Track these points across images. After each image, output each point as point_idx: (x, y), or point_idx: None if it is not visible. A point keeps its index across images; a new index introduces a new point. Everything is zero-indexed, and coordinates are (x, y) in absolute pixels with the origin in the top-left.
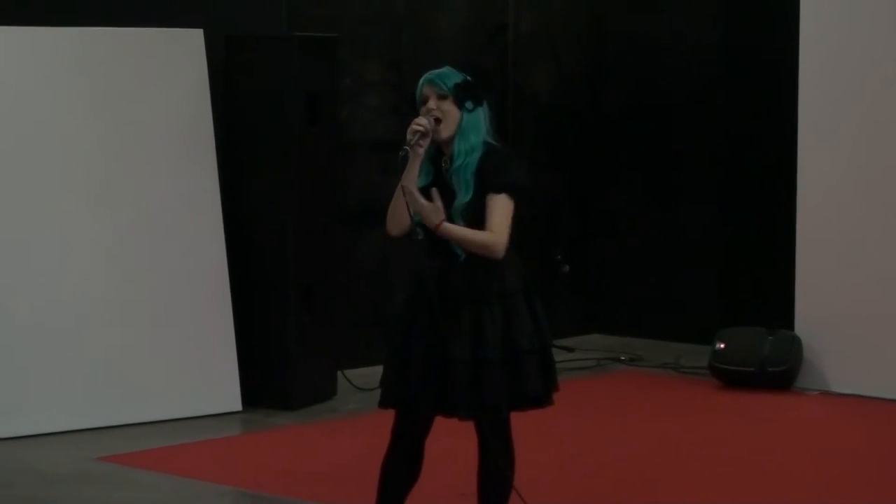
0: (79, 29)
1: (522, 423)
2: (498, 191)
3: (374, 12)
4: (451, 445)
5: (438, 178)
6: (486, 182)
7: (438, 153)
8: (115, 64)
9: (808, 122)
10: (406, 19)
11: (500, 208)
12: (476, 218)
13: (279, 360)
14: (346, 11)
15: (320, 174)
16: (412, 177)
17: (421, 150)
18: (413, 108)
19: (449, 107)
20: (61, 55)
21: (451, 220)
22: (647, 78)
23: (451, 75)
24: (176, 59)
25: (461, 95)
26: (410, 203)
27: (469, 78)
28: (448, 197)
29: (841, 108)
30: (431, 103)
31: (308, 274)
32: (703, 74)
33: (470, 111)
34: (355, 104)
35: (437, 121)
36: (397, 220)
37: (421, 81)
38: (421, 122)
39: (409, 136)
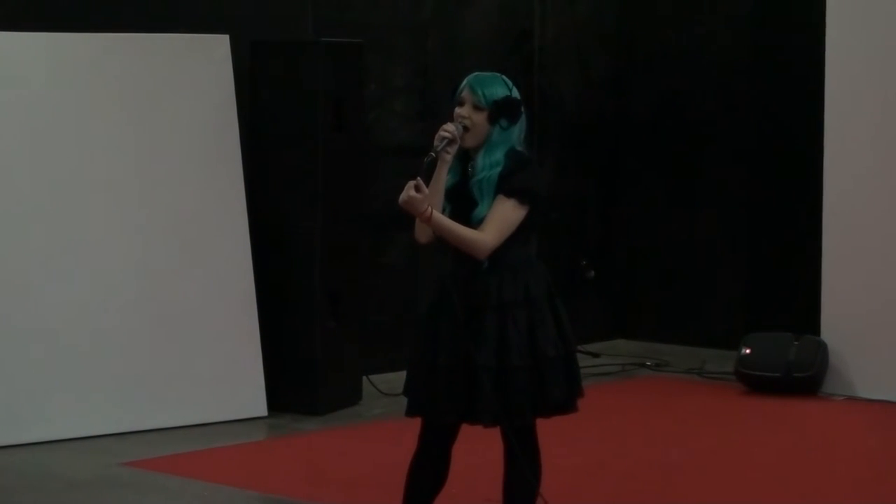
0: (106, 35)
1: (548, 430)
2: (508, 195)
3: (399, 18)
4: (478, 451)
5: (465, 179)
6: (500, 184)
7: (466, 154)
8: (142, 70)
9: (833, 127)
10: (432, 25)
11: (502, 211)
12: None
13: (305, 366)
14: (372, 17)
15: (346, 179)
16: (441, 182)
17: (448, 157)
18: (453, 98)
19: (481, 119)
20: (88, 61)
21: (473, 228)
22: (672, 83)
23: (496, 87)
24: (202, 64)
25: (497, 113)
26: (401, 197)
27: (512, 95)
28: (469, 204)
29: (867, 113)
30: (465, 110)
31: (334, 279)
32: (728, 79)
33: (503, 129)
34: (381, 110)
35: (465, 129)
36: (424, 229)
37: (466, 80)
38: (449, 129)
39: (436, 143)
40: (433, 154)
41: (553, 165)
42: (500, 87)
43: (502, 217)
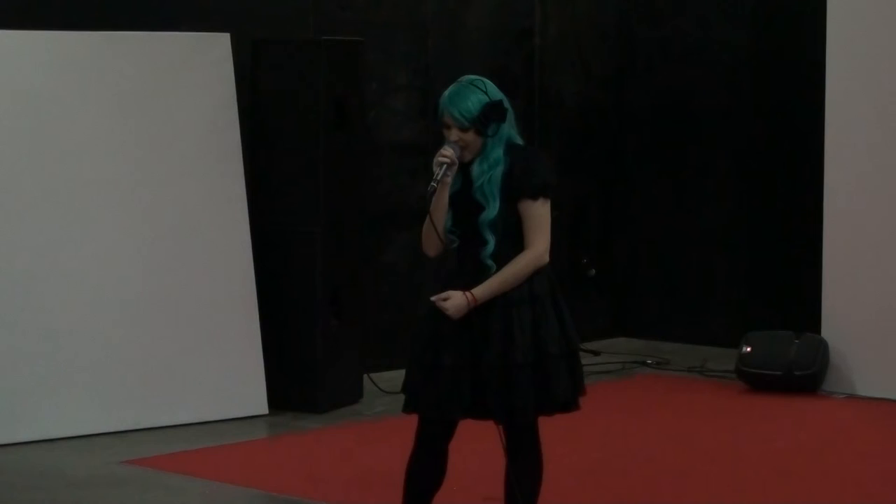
0: (106, 33)
1: (549, 427)
2: (534, 196)
3: (400, 16)
4: (476, 448)
5: (466, 186)
6: (517, 187)
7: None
8: (143, 68)
9: (834, 123)
10: (432, 23)
11: (536, 214)
12: (507, 225)
13: (306, 364)
14: (373, 15)
15: (347, 178)
16: (442, 204)
17: (449, 180)
18: (436, 116)
19: (471, 136)
20: (88, 60)
21: (479, 232)
22: (673, 80)
23: (470, 101)
24: (203, 63)
25: (483, 124)
26: (450, 316)
27: (489, 96)
28: (473, 208)
29: (868, 110)
30: (454, 134)
31: (335, 277)
32: (728, 76)
33: (493, 135)
34: (382, 108)
35: (462, 148)
36: (432, 243)
37: (442, 102)
38: (447, 154)
39: (435, 170)
40: (434, 184)
41: (554, 162)
42: (475, 97)
43: (540, 219)
